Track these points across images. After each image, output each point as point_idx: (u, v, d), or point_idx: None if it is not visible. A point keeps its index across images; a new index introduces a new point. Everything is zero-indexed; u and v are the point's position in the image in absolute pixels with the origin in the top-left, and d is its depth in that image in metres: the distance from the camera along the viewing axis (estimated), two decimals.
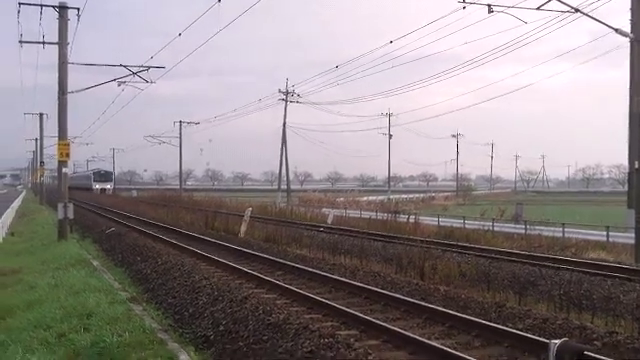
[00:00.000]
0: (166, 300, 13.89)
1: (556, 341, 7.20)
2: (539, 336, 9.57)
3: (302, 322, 10.55)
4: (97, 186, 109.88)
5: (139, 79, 31.07)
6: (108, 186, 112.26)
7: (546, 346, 7.56)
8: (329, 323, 11.02)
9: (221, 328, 10.91)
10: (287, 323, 10.48)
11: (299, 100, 67.44)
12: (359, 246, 21.87)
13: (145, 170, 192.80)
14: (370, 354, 8.70)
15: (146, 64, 30.64)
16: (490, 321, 10.70)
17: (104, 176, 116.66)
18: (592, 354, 8.05)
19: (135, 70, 30.73)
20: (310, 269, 16.76)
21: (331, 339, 9.45)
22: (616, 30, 23.62)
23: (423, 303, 12.24)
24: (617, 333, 10.00)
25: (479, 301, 12.63)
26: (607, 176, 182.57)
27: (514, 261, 18.28)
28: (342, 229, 31.31)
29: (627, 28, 23.70)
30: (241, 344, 9.96)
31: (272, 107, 71.54)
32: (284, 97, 67.55)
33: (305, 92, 69.81)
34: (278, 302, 12.77)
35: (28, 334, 10.35)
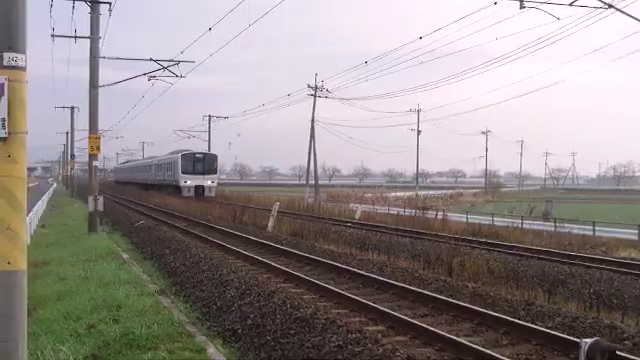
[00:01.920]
0: (194, 293, 13.95)
1: (587, 340, 7.10)
2: (569, 335, 9.48)
3: (330, 317, 10.55)
4: (188, 182, 60.71)
5: (169, 73, 31.33)
6: (209, 182, 61.53)
7: (576, 345, 7.48)
8: (357, 318, 11.02)
9: (249, 322, 10.94)
10: (315, 318, 10.48)
11: (328, 95, 67.30)
12: (387, 242, 21.82)
13: None
14: (397, 350, 8.67)
15: (176, 59, 30.89)
16: (519, 319, 10.62)
17: (203, 163, 62.86)
18: (624, 354, 7.96)
19: (165, 64, 30.98)
20: (338, 264, 16.76)
21: (359, 334, 9.44)
22: None
23: (451, 300, 12.18)
24: None
25: (508, 299, 12.54)
26: (639, 174, 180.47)
27: (543, 259, 18.12)
28: (370, 225, 31.28)
29: None
30: (268, 338, 9.97)
31: (301, 102, 71.57)
32: (313, 92, 67.40)
33: (334, 87, 69.81)
34: (306, 297, 12.79)
35: (58, 325, 10.44)
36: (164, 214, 38.26)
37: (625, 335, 9.76)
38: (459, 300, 12.23)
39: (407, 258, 19.11)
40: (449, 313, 11.42)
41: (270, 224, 29.10)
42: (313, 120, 68.41)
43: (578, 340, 7.56)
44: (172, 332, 9.90)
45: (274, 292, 12.68)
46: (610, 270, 15.77)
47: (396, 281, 14.31)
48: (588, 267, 16.48)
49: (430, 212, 38.25)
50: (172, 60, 30.95)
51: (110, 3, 28.07)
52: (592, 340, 7.16)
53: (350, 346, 8.97)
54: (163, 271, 17.42)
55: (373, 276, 14.92)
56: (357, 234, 24.78)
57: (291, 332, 9.99)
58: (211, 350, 9.22)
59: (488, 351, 8.65)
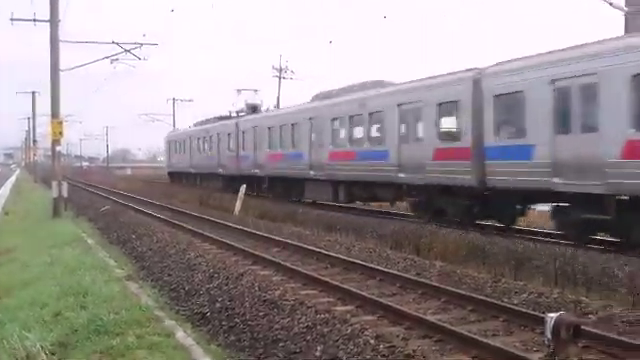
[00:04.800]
0: (162, 278, 13.89)
1: (552, 315, 7.21)
2: (535, 310, 9.61)
3: (298, 298, 10.59)
4: None
5: (132, 56, 31.03)
6: None
7: (542, 320, 7.59)
8: (325, 299, 11.04)
9: (217, 305, 10.93)
10: (283, 299, 10.51)
11: (293, 77, 66.95)
12: (355, 223, 21.87)
13: (139, 149, 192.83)
14: (366, 329, 8.72)
15: (139, 41, 30.60)
16: (486, 296, 10.73)
17: None
18: (589, 328, 8.10)
19: (127, 47, 30.66)
20: (305, 246, 16.77)
21: (327, 315, 9.48)
22: (610, 4, 23.52)
23: (418, 279, 12.27)
24: (612, 306, 10.06)
25: (474, 276, 12.66)
26: None
27: (509, 236, 18.30)
28: (337, 206, 31.29)
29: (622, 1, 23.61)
30: (237, 320, 9.98)
31: (266, 83, 70.98)
32: (277, 74, 66.97)
33: (299, 68, 69.46)
34: (274, 279, 12.80)
35: (24, 313, 10.34)
36: (130, 199, 37.95)
37: (589, 309, 9.92)
38: (426, 279, 12.32)
39: (375, 238, 19.17)
40: (416, 292, 11.49)
41: (237, 207, 29.00)
42: (278, 102, 68.14)
43: (544, 315, 7.67)
44: (140, 317, 9.85)
45: (242, 275, 12.69)
46: (575, 246, 15.99)
47: (363, 261, 14.37)
48: (554, 243, 16.70)
49: None
50: (135, 43, 30.67)
51: None
52: (557, 315, 7.28)
53: (319, 326, 9.01)
54: (130, 256, 17.30)
55: (341, 257, 14.96)
56: (325, 215, 24.81)
57: (260, 314, 10.01)
58: (180, 334, 9.19)
59: (455, 328, 8.74)
